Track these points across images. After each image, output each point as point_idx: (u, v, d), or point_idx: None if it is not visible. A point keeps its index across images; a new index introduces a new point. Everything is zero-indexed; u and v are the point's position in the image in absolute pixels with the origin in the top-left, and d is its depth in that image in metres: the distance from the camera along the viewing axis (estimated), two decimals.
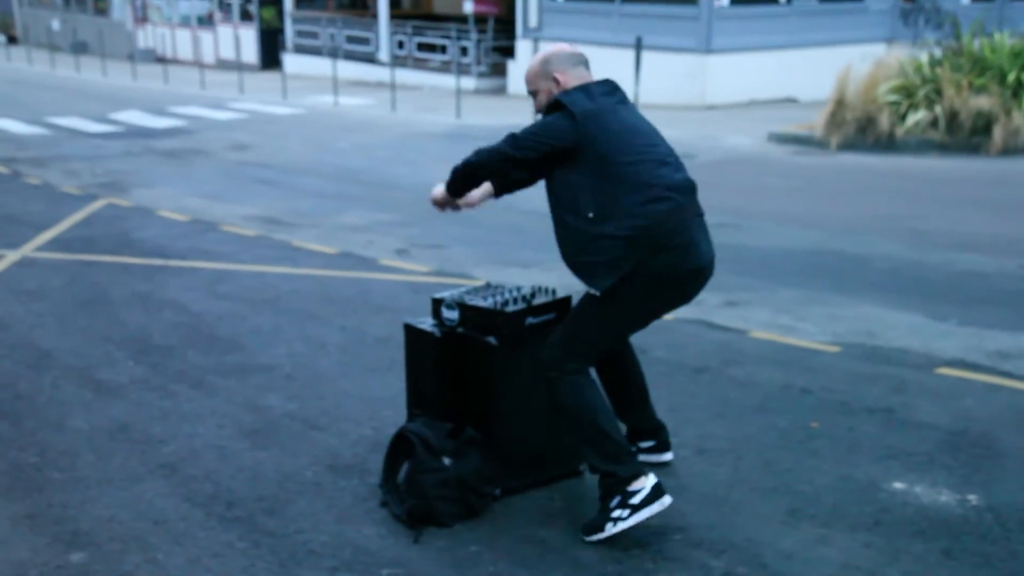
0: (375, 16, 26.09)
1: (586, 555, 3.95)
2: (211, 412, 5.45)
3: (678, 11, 18.79)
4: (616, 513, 3.98)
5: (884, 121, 13.63)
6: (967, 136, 13.52)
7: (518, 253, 9.01)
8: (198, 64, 28.42)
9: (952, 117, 13.57)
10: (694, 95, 18.33)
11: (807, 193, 11.50)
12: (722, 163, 13.45)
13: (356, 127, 18.03)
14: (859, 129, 13.99)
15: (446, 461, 4.15)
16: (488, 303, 4.34)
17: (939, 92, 13.74)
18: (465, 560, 3.95)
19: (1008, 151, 13.29)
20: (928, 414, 5.22)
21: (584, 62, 4.26)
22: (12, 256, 8.96)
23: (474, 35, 22.92)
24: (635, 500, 3.99)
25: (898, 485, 4.46)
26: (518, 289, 4.52)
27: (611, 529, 3.98)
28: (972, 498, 4.34)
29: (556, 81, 4.18)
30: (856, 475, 4.56)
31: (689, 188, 4.07)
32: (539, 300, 4.38)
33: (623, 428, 4.38)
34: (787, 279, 7.94)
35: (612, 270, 3.95)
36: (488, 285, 4.65)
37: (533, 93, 4.30)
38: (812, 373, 5.87)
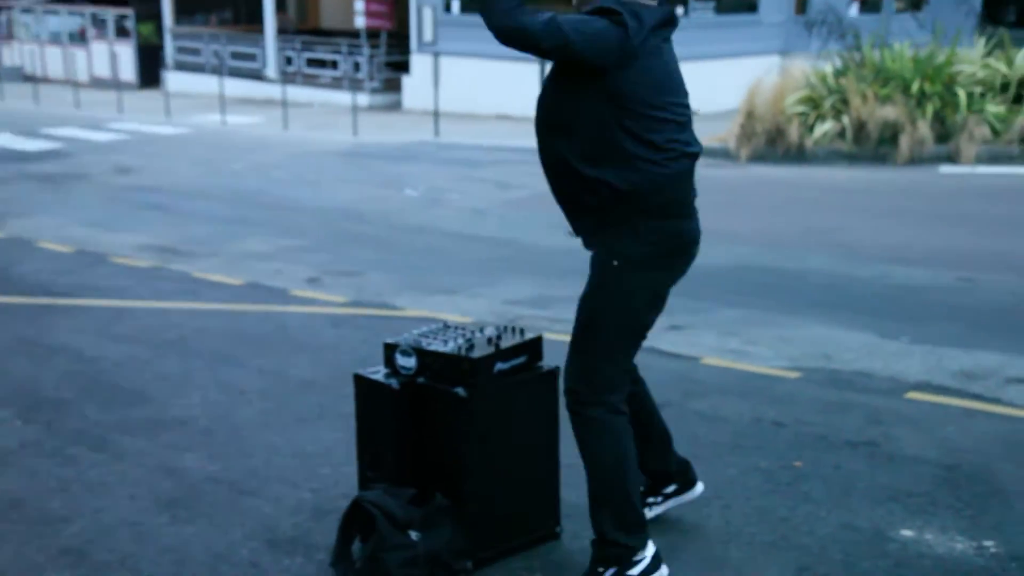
0: (261, 31, 25.24)
1: None
2: (120, 479, 4.72)
3: None
4: None
5: (793, 132, 13.48)
6: (874, 146, 13.44)
7: (440, 278, 8.49)
8: (71, 83, 27.15)
9: (859, 127, 13.48)
10: None
11: (728, 207, 11.18)
12: None
13: (248, 147, 17.28)
14: (768, 141, 13.83)
15: (413, 535, 3.59)
16: (450, 347, 3.80)
17: (845, 102, 13.66)
18: None
19: (914, 160, 13.26)
20: (914, 447, 4.85)
21: None
22: None
23: (366, 50, 22.34)
24: (633, 572, 3.50)
25: (907, 533, 4.05)
26: (480, 329, 4.00)
27: None
28: (989, 545, 3.96)
29: None
30: (858, 523, 4.13)
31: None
32: (507, 342, 3.86)
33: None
34: (725, 298, 7.57)
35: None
36: (446, 325, 4.11)
37: None
38: (779, 403, 5.47)
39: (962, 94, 13.34)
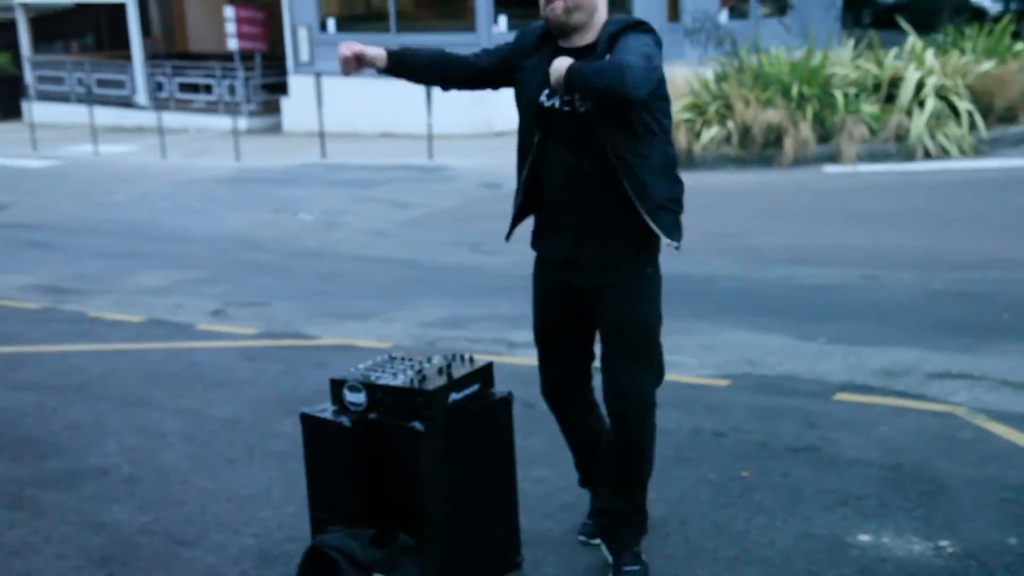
0: (128, 57, 24.57)
1: None
2: (45, 539, 4.41)
3: (457, 39, 18.40)
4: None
5: (681, 139, 13.58)
6: (760, 149, 13.66)
7: (349, 303, 8.32)
8: None
9: (744, 132, 13.68)
10: (481, 123, 18.00)
11: None
12: None
13: (126, 177, 16.73)
14: None
15: None
16: (400, 380, 3.66)
17: (729, 108, 13.85)
18: None
19: (799, 161, 13.50)
20: (853, 449, 4.88)
21: None
22: None
23: (241, 73, 21.90)
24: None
25: (864, 538, 4.05)
26: (428, 359, 3.87)
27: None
28: (946, 544, 3.98)
29: None
30: (815, 530, 4.12)
31: None
32: (459, 371, 3.74)
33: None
34: None
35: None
36: (391, 357, 3.95)
37: None
38: (714, 413, 5.46)
39: (839, 95, 13.64)
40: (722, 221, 10.64)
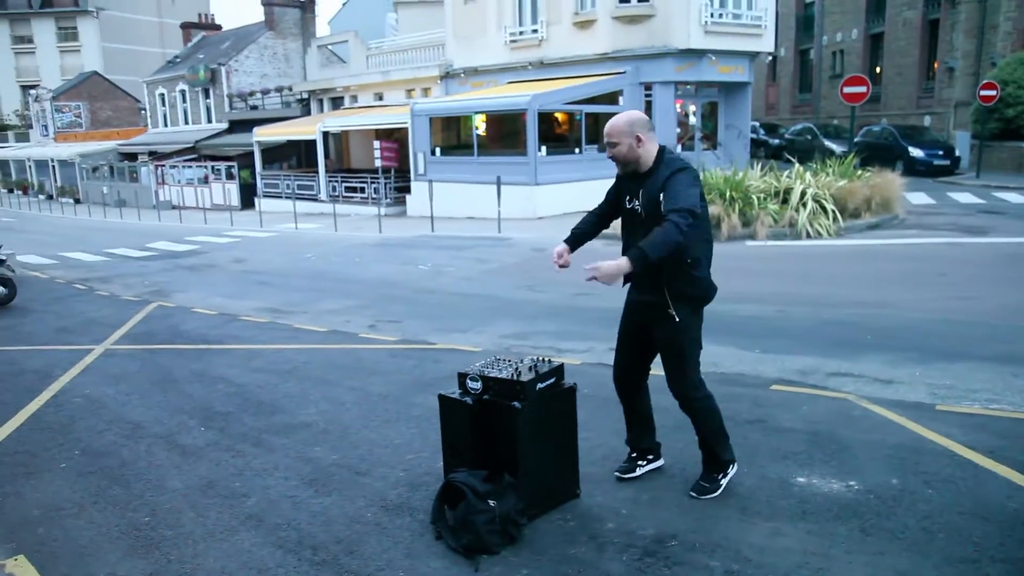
0: (316, 171, 24.73)
1: (614, 566, 3.11)
2: (275, 466, 4.32)
3: (516, 160, 18.32)
4: (722, 480, 3.67)
5: None
6: None
7: (453, 322, 8.10)
8: (201, 208, 26.35)
9: None
10: (529, 211, 17.81)
11: None
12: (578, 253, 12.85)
13: (313, 242, 16.67)
14: None
15: (491, 503, 3.24)
16: (505, 374, 3.48)
17: None
18: None
19: (731, 238, 13.01)
20: (787, 422, 4.60)
21: (654, 128, 3.52)
22: (98, 349, 7.50)
23: (382, 180, 21.89)
24: (730, 471, 3.71)
25: (801, 480, 3.79)
26: (520, 360, 3.67)
27: (719, 490, 3.63)
28: (853, 484, 3.71)
29: (638, 139, 3.39)
30: (768, 475, 3.86)
31: None
32: (542, 369, 3.54)
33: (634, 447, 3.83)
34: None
35: (695, 302, 3.48)
36: (497, 359, 3.77)
37: (613, 144, 3.45)
38: None
39: (755, 198, 13.28)
40: None
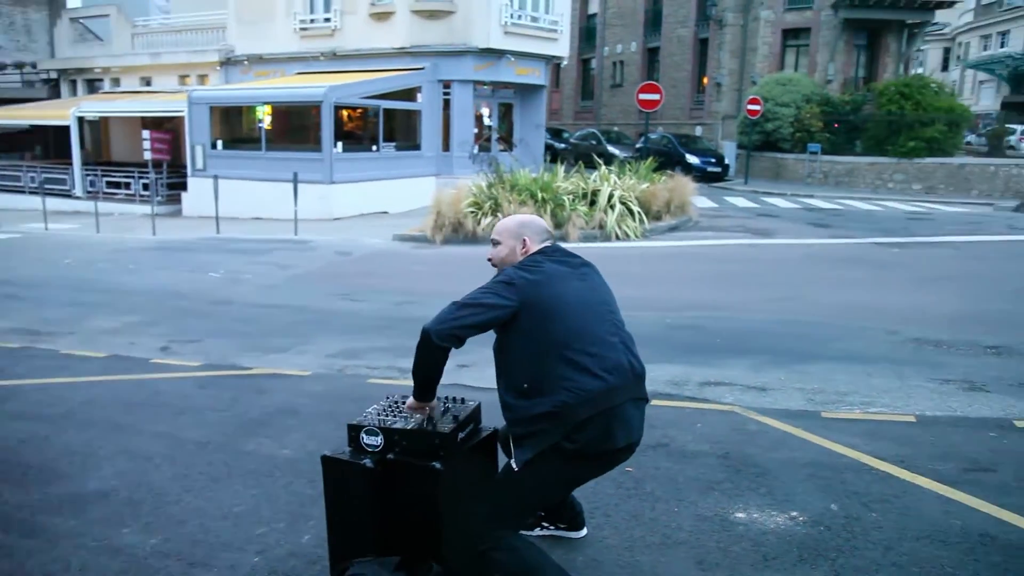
0: (70, 163, 21.22)
1: None
2: (64, 566, 3.06)
3: (309, 156, 16.93)
4: None
5: (469, 224, 12.83)
6: None
7: (265, 340, 6.94)
8: None
9: None
10: (325, 211, 16.52)
11: (450, 277, 10.33)
12: (372, 256, 11.90)
13: (71, 245, 14.09)
14: (453, 229, 13.07)
15: None
16: (412, 424, 2.65)
17: (498, 205, 13.18)
18: None
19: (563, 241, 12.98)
20: (690, 444, 4.21)
21: (551, 239, 2.78)
22: None
23: (154, 175, 19.25)
24: None
25: (740, 515, 3.36)
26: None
27: None
28: (796, 515, 3.35)
29: (523, 243, 2.69)
30: (703, 512, 3.40)
31: (627, 370, 2.52)
32: (460, 413, 2.76)
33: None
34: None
35: (534, 444, 2.43)
36: (391, 400, 2.92)
37: (495, 243, 2.74)
38: None
39: (566, 200, 13.29)
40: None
